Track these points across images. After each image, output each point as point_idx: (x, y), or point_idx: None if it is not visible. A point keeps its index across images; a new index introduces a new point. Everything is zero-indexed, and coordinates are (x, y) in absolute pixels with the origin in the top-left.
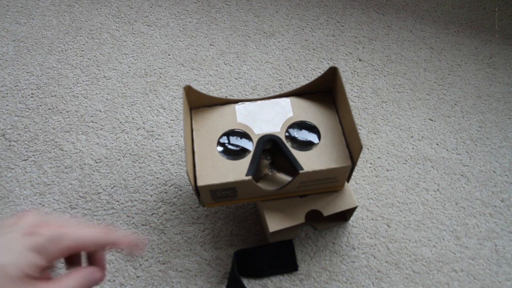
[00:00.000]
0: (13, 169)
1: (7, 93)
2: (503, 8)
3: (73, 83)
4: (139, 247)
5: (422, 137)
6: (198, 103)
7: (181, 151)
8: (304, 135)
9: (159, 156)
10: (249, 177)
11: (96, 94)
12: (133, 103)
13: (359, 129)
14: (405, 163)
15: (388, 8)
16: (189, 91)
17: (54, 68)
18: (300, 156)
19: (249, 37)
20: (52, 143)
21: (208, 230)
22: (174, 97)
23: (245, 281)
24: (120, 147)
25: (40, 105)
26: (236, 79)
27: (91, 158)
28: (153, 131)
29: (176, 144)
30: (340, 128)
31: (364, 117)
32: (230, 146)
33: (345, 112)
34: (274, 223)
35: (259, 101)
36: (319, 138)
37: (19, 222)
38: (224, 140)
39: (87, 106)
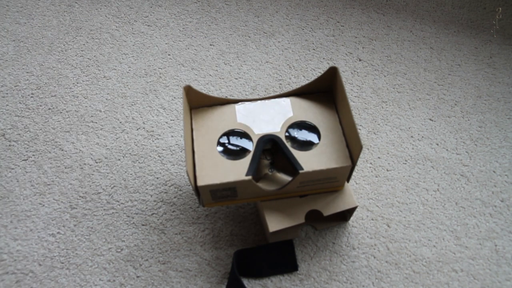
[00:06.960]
0: (13, 169)
1: (7, 93)
2: (503, 8)
3: (73, 83)
4: None
5: (422, 137)
6: (198, 103)
7: (181, 151)
8: (304, 135)
9: (159, 156)
10: (249, 177)
11: (96, 94)
12: (133, 103)
13: (359, 129)
14: (405, 163)
15: (388, 8)
16: (189, 91)
17: (54, 68)
18: (300, 156)
19: (249, 37)
20: (52, 143)
21: (208, 230)
22: (174, 97)
23: (245, 281)
24: (120, 147)
25: (40, 105)
26: (236, 79)
27: (91, 158)
28: (153, 131)
29: (176, 144)
30: (340, 128)
31: (364, 117)
32: (230, 146)
33: (345, 112)
34: (274, 223)
35: (259, 101)
36: (319, 138)
37: None
38: (224, 140)
39: (87, 106)
